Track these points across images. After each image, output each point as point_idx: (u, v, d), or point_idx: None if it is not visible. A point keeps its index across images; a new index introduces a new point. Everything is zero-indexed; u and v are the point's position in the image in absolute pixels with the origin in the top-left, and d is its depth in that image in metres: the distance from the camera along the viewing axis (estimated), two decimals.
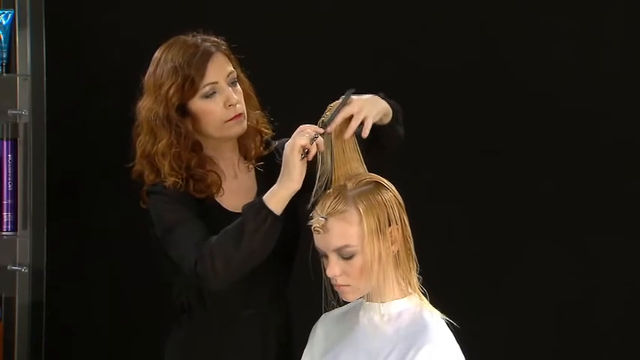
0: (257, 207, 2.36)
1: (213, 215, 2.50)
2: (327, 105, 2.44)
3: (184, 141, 2.51)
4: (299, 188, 2.36)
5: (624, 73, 3.68)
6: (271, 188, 2.38)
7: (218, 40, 2.57)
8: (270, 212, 2.34)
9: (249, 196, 2.55)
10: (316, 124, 2.39)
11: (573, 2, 3.69)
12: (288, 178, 2.34)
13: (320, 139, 2.36)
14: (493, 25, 3.72)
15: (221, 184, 2.56)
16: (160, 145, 2.50)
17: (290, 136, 2.41)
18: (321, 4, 3.73)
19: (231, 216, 2.46)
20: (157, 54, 2.56)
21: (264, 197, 2.37)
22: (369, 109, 2.42)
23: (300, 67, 3.61)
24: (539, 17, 3.70)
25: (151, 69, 2.56)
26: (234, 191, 2.58)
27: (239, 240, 2.34)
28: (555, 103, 3.72)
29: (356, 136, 2.42)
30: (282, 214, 2.36)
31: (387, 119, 2.50)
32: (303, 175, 2.35)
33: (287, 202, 2.36)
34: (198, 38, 2.55)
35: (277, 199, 2.35)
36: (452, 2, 3.75)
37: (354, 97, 2.42)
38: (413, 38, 3.71)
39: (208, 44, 2.54)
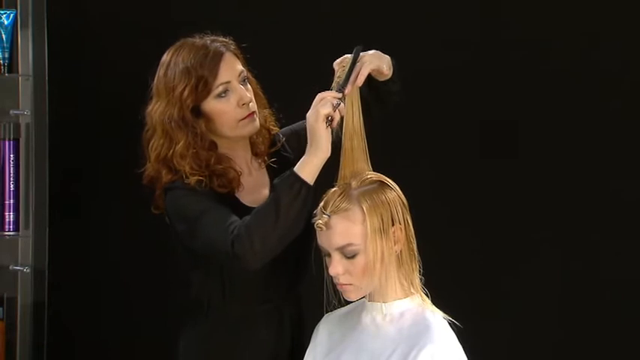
0: (290, 180, 2.34)
1: (234, 211, 2.47)
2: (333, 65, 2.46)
3: (201, 141, 2.51)
4: (329, 156, 2.35)
5: (625, 74, 3.68)
6: (301, 159, 2.36)
7: (227, 40, 2.57)
8: (304, 183, 2.33)
9: (263, 192, 2.57)
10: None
11: (573, 4, 3.70)
12: (317, 147, 2.34)
13: (342, 104, 2.37)
14: (494, 26, 3.73)
15: (240, 180, 2.56)
16: (177, 147, 2.50)
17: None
18: (324, 3, 3.74)
19: (250, 211, 2.46)
20: (165, 57, 2.55)
21: (294, 169, 2.35)
22: (376, 63, 2.45)
23: (303, 64, 3.61)
24: (540, 19, 3.71)
25: (160, 72, 2.54)
26: (250, 188, 2.59)
27: (276, 216, 2.33)
28: (557, 104, 3.72)
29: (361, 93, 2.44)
30: (314, 185, 2.35)
31: (390, 72, 2.52)
32: (330, 142, 2.35)
33: (318, 172, 2.35)
34: (207, 39, 2.55)
35: (309, 168, 2.34)
36: (453, 3, 3.76)
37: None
38: (418, 39, 3.71)
39: (218, 44, 2.54)
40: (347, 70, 2.41)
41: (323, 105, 2.35)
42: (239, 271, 2.51)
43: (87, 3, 3.79)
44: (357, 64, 2.42)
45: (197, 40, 2.55)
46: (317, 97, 2.38)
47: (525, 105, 3.73)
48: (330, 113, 2.35)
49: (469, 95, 3.74)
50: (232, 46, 2.57)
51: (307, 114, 2.38)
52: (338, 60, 2.47)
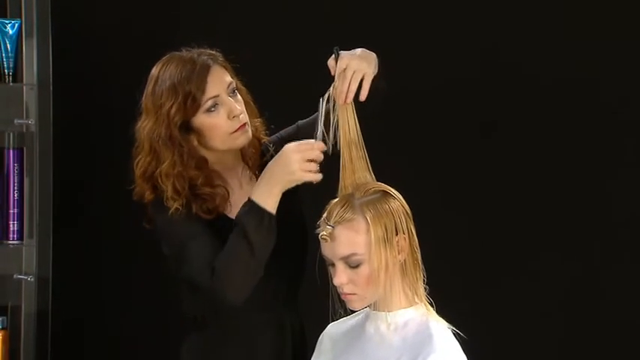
0: (257, 215, 2.37)
1: (223, 229, 2.48)
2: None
3: (189, 160, 2.50)
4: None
5: (624, 80, 3.68)
6: (264, 182, 2.39)
7: (214, 52, 2.56)
8: (271, 216, 2.37)
9: None
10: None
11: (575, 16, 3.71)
12: (290, 173, 2.37)
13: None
14: (500, 33, 3.73)
15: (228, 199, 2.55)
16: (163, 166, 2.48)
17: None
18: (318, 9, 3.75)
19: None
20: (153, 72, 2.54)
21: (256, 198, 2.38)
22: (364, 71, 2.41)
23: (294, 71, 3.62)
24: (541, 28, 3.72)
25: (148, 88, 2.53)
26: (241, 202, 2.55)
27: (250, 252, 2.37)
28: (559, 109, 3.73)
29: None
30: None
31: (375, 71, 2.49)
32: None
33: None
34: (194, 53, 2.53)
35: (273, 199, 2.38)
36: (453, 11, 3.76)
37: (343, 53, 2.42)
38: (419, 44, 3.72)
39: (205, 57, 2.52)
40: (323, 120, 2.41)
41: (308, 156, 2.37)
42: None
43: (91, 12, 3.80)
44: (347, 71, 2.39)
45: (184, 54, 2.53)
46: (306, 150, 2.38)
47: (526, 111, 3.74)
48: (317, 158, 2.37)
49: (471, 103, 3.74)
50: (220, 58, 2.55)
51: (288, 148, 2.38)
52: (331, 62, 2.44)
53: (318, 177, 2.39)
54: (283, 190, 2.39)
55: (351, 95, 2.39)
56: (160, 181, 2.49)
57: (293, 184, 2.39)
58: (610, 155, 3.70)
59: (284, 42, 3.72)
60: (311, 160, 2.38)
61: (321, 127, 2.42)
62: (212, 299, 2.43)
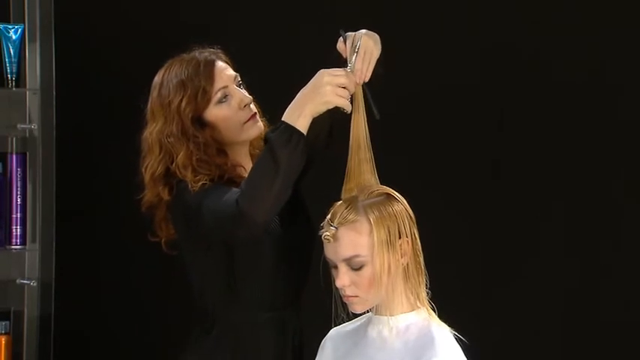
0: (285, 132, 2.30)
1: None
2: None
3: (209, 149, 2.50)
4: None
5: (630, 83, 3.69)
6: (295, 104, 2.33)
7: (214, 49, 2.60)
8: (301, 135, 2.31)
9: None
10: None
11: (576, 23, 3.71)
12: (322, 94, 2.31)
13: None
14: (500, 33, 3.74)
15: None
16: (178, 159, 2.48)
17: None
18: (318, 10, 3.76)
19: None
20: (156, 79, 2.56)
21: (286, 118, 2.32)
22: (375, 53, 2.41)
23: (293, 74, 3.61)
24: (542, 28, 3.72)
25: (153, 94, 2.55)
26: None
27: (274, 170, 2.28)
28: (561, 113, 3.73)
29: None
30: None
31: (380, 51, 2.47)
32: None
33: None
34: (195, 52, 2.57)
35: (303, 120, 2.31)
36: (458, 10, 3.77)
37: (350, 33, 2.42)
38: (421, 44, 3.72)
39: (207, 54, 2.56)
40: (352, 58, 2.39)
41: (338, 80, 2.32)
42: (246, 271, 2.51)
43: (95, 17, 3.81)
44: (360, 51, 2.38)
45: (185, 55, 2.56)
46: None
47: (527, 113, 3.74)
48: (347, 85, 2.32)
49: (472, 104, 3.74)
50: (221, 54, 2.59)
51: (320, 72, 2.34)
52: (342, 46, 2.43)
53: (348, 105, 2.34)
54: (314, 114, 2.32)
55: (366, 74, 2.38)
56: (178, 174, 2.48)
57: (324, 107, 2.32)
58: (611, 156, 3.70)
59: (283, 43, 3.73)
60: (343, 88, 2.33)
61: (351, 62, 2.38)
62: (237, 226, 2.32)
